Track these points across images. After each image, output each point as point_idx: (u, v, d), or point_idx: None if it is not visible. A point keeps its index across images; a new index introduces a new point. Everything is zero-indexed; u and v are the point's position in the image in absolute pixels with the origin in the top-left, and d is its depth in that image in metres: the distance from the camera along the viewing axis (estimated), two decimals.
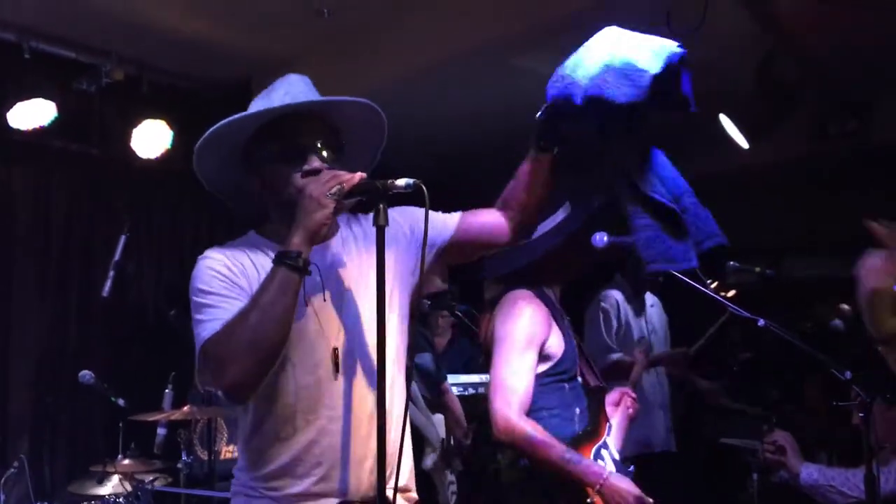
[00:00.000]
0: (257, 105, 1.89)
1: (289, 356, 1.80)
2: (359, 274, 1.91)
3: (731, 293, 3.93)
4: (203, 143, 1.85)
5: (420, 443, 3.55)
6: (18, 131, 4.30)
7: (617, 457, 2.54)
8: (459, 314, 4.45)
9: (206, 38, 4.58)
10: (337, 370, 1.82)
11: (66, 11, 4.19)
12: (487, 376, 5.26)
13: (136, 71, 4.77)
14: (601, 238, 2.50)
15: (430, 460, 3.56)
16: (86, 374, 3.84)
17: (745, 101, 4.23)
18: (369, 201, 1.74)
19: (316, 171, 1.78)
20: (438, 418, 3.72)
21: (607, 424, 2.60)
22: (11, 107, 4.25)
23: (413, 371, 3.36)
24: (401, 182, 1.66)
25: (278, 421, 1.83)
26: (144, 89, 4.83)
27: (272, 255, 1.77)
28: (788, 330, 2.68)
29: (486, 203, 2.09)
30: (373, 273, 1.71)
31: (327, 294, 1.86)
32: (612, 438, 2.59)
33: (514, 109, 4.93)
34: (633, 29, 2.01)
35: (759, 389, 4.98)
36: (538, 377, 2.50)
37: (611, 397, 2.77)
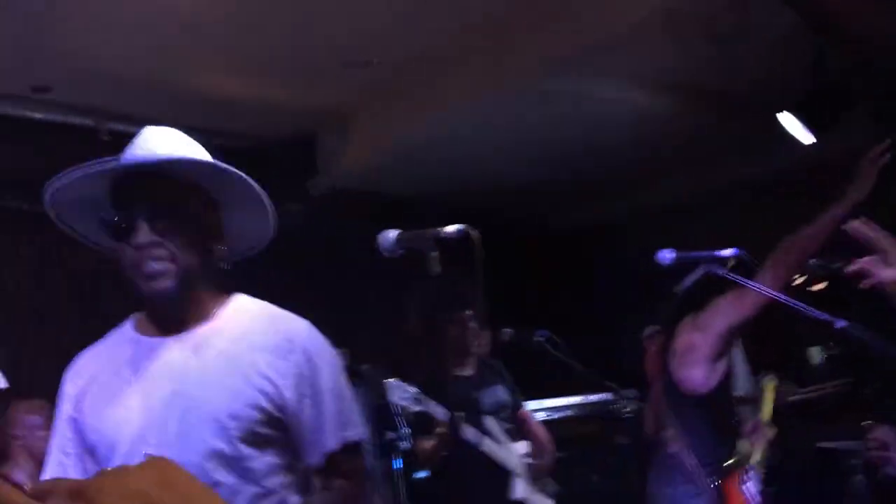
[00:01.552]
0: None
1: (106, 462, 1.63)
2: (211, 375, 1.66)
3: (822, 285, 3.87)
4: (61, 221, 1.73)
5: (506, 475, 3.57)
6: None
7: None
8: (540, 340, 4.47)
9: (265, 99, 4.77)
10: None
11: (134, 91, 4.41)
12: (574, 399, 5.28)
13: (204, 138, 4.95)
14: (665, 255, 2.51)
15: (519, 489, 3.57)
16: None
17: (804, 98, 4.18)
18: (416, 250, 1.75)
19: (140, 247, 1.60)
20: (524, 445, 3.73)
21: None
22: None
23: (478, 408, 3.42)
24: (450, 229, 1.69)
25: None
26: (212, 154, 5.01)
27: (127, 352, 1.70)
28: (876, 325, 2.62)
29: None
30: (231, 377, 1.62)
31: (162, 392, 1.64)
32: None
33: (579, 133, 5.03)
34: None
35: (854, 386, 4.83)
36: None
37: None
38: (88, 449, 1.68)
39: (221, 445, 1.59)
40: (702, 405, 2.82)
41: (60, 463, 1.70)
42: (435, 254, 1.69)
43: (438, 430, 3.36)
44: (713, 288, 2.78)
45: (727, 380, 2.93)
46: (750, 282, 2.63)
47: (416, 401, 3.35)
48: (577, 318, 5.78)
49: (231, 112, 4.83)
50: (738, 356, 3.79)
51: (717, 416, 2.86)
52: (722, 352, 2.82)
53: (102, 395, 1.67)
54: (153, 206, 1.61)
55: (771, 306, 2.63)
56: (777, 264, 2.69)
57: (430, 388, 3.45)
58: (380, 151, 5.10)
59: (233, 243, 1.79)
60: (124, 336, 1.76)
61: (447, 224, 1.73)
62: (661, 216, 5.91)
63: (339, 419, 1.72)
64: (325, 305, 5.85)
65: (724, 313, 2.76)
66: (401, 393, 3.35)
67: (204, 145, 5.36)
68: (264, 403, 1.63)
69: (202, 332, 1.70)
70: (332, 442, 1.71)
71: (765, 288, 2.56)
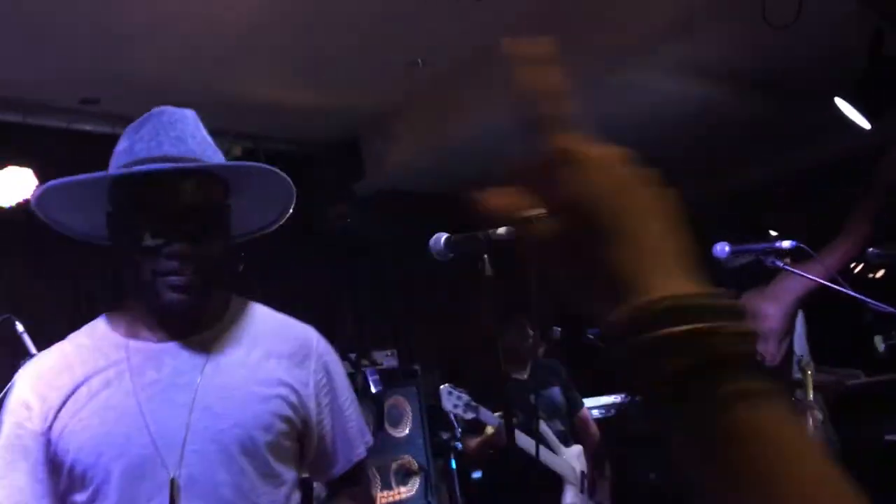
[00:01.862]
0: (118, 153, 1.49)
1: (104, 486, 1.37)
2: (231, 383, 1.48)
3: (881, 273, 3.77)
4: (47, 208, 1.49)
5: (558, 481, 3.53)
6: None
7: None
8: (592, 337, 4.43)
9: (310, 105, 4.79)
10: None
11: (182, 100, 4.45)
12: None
13: (253, 144, 5.02)
14: (722, 249, 2.46)
15: (570, 496, 3.53)
16: None
17: (860, 82, 4.06)
18: (468, 253, 1.69)
19: (172, 257, 1.40)
20: (577, 450, 3.68)
21: None
22: None
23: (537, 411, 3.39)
24: (502, 231, 1.63)
25: None
26: (261, 160, 5.06)
27: (116, 358, 1.45)
28: None
29: None
30: (253, 385, 1.46)
31: (173, 404, 1.42)
32: None
33: (633, 127, 4.96)
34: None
35: None
36: None
37: None
38: (65, 473, 1.40)
39: (254, 462, 1.44)
40: (776, 377, 2.77)
41: (32, 491, 1.40)
42: (486, 256, 1.65)
43: (488, 430, 3.35)
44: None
45: (790, 359, 2.87)
46: (807, 274, 2.57)
47: (468, 408, 3.35)
48: None
49: (279, 117, 4.87)
50: (801, 336, 3.71)
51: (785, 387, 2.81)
52: (789, 328, 2.78)
53: (92, 409, 1.41)
54: (182, 212, 1.41)
55: (840, 295, 2.57)
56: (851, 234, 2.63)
57: (483, 392, 3.45)
58: (426, 152, 5.09)
59: (243, 226, 1.62)
60: (107, 339, 1.49)
61: (498, 225, 1.69)
62: (716, 208, 5.80)
63: (360, 425, 1.65)
64: (372, 306, 5.89)
65: (793, 285, 2.71)
66: (453, 400, 3.35)
67: (254, 151, 5.41)
68: (290, 413, 1.50)
69: (212, 337, 1.51)
70: (361, 449, 1.65)
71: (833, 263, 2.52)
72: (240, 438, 1.42)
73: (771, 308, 2.76)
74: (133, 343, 1.47)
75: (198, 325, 1.51)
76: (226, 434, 1.41)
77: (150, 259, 1.40)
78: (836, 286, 2.50)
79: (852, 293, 2.35)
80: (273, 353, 1.53)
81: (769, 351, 2.78)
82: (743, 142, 5.34)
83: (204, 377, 1.45)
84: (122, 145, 1.48)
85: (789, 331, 2.82)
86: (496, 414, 3.37)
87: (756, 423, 0.47)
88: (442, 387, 3.40)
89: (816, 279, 2.57)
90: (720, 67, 4.40)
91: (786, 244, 2.51)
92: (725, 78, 4.53)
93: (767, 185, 5.67)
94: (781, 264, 2.51)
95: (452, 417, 3.57)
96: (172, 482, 1.35)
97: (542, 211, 0.55)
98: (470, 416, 3.35)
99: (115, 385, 1.42)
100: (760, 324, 2.77)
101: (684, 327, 0.48)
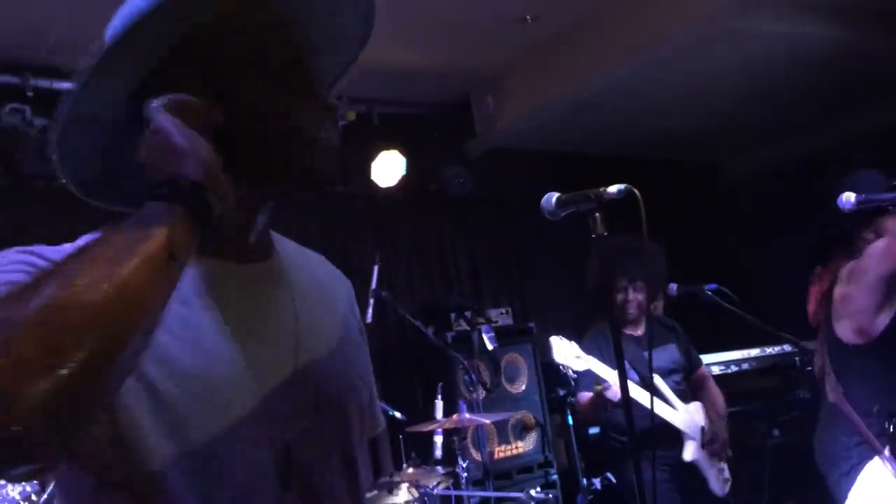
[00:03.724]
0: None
1: (192, 451, 0.89)
2: (319, 319, 1.08)
3: None
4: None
5: (677, 436, 3.50)
6: None
7: None
8: (710, 293, 4.34)
9: (421, 66, 4.83)
10: (284, 487, 0.95)
11: None
12: (752, 351, 5.10)
13: (366, 109, 5.11)
14: (847, 200, 2.36)
15: (690, 452, 3.50)
16: None
17: None
18: (579, 212, 1.67)
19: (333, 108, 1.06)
20: (696, 406, 3.64)
21: None
22: None
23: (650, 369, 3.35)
24: (612, 189, 1.62)
25: None
26: (375, 123, 5.16)
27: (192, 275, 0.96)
28: None
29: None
30: (330, 325, 1.09)
31: (281, 345, 1.01)
32: None
33: (745, 75, 4.79)
34: None
35: None
36: None
37: None
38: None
39: (357, 430, 1.08)
40: (865, 354, 2.59)
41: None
42: (598, 215, 1.66)
43: (596, 388, 3.35)
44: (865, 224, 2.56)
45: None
46: None
47: (579, 359, 3.37)
48: (749, 269, 5.56)
49: (390, 80, 4.93)
50: None
51: (886, 364, 2.61)
52: (882, 302, 2.56)
53: (172, 333, 0.91)
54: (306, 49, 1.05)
55: None
56: None
57: (596, 348, 3.46)
58: (537, 109, 5.06)
59: None
60: None
61: (610, 180, 1.69)
62: (843, 154, 5.52)
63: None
64: (487, 265, 5.94)
65: (876, 263, 2.51)
66: (563, 351, 3.38)
67: (368, 114, 5.50)
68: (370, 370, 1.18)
69: (279, 264, 1.09)
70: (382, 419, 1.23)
71: None
72: (350, 397, 1.08)
73: (853, 289, 2.58)
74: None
75: (264, 243, 1.09)
76: (339, 389, 1.06)
77: (297, 112, 1.00)
78: None
79: None
80: (341, 296, 1.18)
81: (857, 328, 2.59)
82: (868, 84, 5.06)
83: (299, 314, 1.04)
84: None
85: (882, 304, 2.57)
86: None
87: None
88: (552, 337, 3.44)
89: None
90: (841, 3, 4.18)
91: None
92: (846, 15, 4.30)
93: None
94: None
95: (569, 372, 3.60)
96: (284, 455, 0.96)
97: None
98: (581, 367, 3.38)
99: (196, 308, 0.96)
100: (845, 305, 2.59)
101: None
